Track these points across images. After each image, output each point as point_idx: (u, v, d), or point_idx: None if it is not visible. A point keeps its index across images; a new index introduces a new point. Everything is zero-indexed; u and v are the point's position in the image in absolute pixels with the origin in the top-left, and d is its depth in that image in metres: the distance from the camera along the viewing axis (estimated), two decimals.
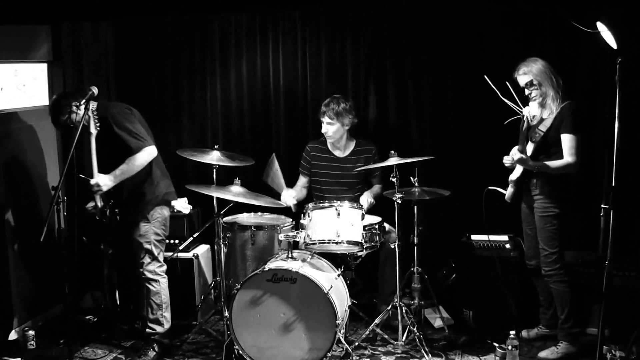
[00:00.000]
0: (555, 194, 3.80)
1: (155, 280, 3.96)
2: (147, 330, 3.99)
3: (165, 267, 4.04)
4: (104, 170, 3.75)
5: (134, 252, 3.95)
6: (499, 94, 3.75)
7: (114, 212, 3.99)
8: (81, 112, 3.74)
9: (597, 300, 4.03)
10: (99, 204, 3.87)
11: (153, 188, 3.93)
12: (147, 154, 3.81)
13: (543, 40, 4.36)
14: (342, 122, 4.40)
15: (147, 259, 3.93)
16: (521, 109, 3.71)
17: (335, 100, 4.40)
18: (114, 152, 3.78)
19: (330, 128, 4.41)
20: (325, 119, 4.40)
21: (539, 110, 3.81)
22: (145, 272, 3.93)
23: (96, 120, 3.68)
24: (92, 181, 3.71)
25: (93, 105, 3.71)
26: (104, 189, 3.75)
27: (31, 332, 4.04)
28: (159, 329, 3.99)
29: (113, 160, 3.78)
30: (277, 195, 4.40)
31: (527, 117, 3.69)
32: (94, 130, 3.67)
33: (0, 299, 4.22)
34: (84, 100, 3.71)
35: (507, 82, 3.71)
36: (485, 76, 3.80)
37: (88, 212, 4.00)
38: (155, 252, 3.95)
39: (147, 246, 3.92)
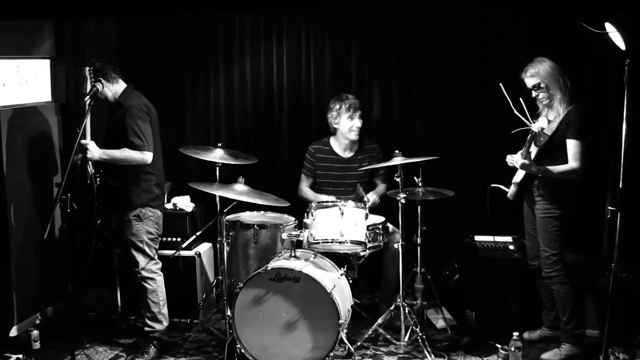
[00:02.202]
0: (557, 196, 3.79)
1: (152, 279, 3.95)
2: (146, 328, 3.99)
3: (160, 265, 4.02)
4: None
5: (128, 251, 3.94)
6: (512, 106, 3.70)
7: (103, 181, 3.97)
8: (100, 87, 3.85)
9: (600, 303, 4.03)
10: (90, 170, 3.86)
11: (140, 191, 3.90)
12: (141, 157, 3.83)
13: (548, 41, 4.35)
14: (361, 116, 4.42)
15: (141, 258, 3.91)
16: (531, 123, 3.66)
17: (352, 96, 4.43)
18: (115, 136, 3.84)
19: (359, 123, 4.41)
20: (357, 113, 4.39)
21: (548, 114, 3.79)
22: (141, 271, 3.92)
23: (91, 81, 3.79)
24: (83, 141, 3.74)
25: (87, 69, 3.81)
26: (89, 155, 3.77)
27: (36, 332, 4.02)
28: (157, 326, 3.98)
29: (110, 142, 3.86)
30: (281, 194, 4.38)
31: (535, 133, 3.65)
32: (87, 90, 3.78)
33: (1, 295, 4.20)
34: (87, 97, 3.69)
35: (520, 99, 3.68)
36: (501, 85, 3.74)
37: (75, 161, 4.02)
38: (149, 250, 3.94)
39: (140, 245, 3.90)
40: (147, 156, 3.85)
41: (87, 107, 3.73)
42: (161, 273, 4.02)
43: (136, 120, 3.81)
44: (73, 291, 3.52)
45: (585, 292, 4.05)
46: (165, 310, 4.02)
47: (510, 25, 4.46)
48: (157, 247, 4.01)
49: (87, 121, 3.75)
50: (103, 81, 3.89)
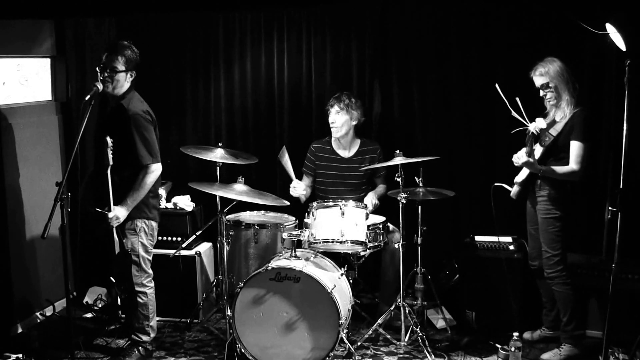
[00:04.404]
0: (559, 197, 3.79)
1: (143, 293, 3.88)
2: (133, 336, 3.94)
3: (152, 276, 3.94)
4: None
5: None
6: (509, 106, 3.69)
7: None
8: (100, 87, 3.67)
9: (600, 303, 4.04)
10: (117, 238, 3.79)
11: (139, 203, 3.80)
12: (154, 176, 3.76)
13: (548, 41, 4.35)
14: (351, 115, 4.40)
15: (135, 272, 3.85)
16: (528, 123, 3.65)
17: (346, 94, 4.44)
18: (118, 143, 3.66)
19: (338, 118, 4.40)
20: (335, 108, 4.40)
21: (555, 114, 3.79)
22: (133, 285, 3.86)
23: (111, 151, 3.60)
24: (110, 214, 3.65)
25: (110, 141, 3.61)
26: (122, 220, 3.70)
27: (35, 332, 4.02)
28: (145, 338, 3.94)
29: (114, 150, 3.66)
30: (281, 194, 4.38)
31: (532, 133, 3.63)
32: (110, 162, 3.61)
33: (2, 294, 4.20)
34: (88, 97, 3.66)
35: (517, 98, 3.66)
36: (497, 85, 3.74)
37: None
38: (144, 264, 3.87)
39: (135, 259, 3.85)
40: (157, 170, 3.77)
41: (87, 109, 3.55)
42: (152, 286, 3.94)
43: (142, 132, 3.70)
44: (73, 291, 3.52)
45: (585, 293, 4.05)
46: (153, 323, 3.96)
47: (510, 26, 4.46)
48: (151, 258, 3.94)
49: (110, 190, 3.63)
50: (127, 75, 3.77)
